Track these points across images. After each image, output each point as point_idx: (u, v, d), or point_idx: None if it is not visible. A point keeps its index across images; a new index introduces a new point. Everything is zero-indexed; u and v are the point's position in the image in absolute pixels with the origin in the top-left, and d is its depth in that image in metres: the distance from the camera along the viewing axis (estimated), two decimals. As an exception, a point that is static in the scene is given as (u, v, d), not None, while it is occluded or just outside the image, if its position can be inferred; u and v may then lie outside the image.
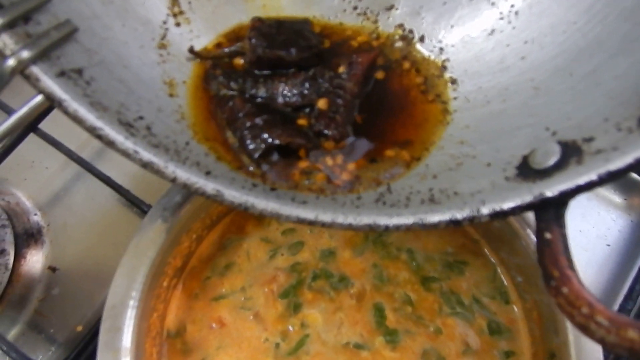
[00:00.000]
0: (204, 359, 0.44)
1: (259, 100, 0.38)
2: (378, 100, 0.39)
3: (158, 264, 0.42)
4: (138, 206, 0.54)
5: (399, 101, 0.39)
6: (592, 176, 0.28)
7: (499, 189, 0.32)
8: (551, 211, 0.30)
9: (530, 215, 0.40)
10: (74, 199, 0.60)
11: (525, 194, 0.30)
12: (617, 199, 0.59)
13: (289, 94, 0.37)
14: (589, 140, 0.30)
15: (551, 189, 0.29)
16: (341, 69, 0.38)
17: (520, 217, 0.44)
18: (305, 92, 0.37)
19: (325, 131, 0.36)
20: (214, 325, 0.46)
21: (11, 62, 0.30)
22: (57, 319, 0.53)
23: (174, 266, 0.45)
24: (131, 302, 0.41)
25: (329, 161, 0.36)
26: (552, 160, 0.31)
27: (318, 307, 0.46)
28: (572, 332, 0.39)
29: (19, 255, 0.57)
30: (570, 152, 0.31)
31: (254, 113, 0.36)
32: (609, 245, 0.57)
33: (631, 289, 0.52)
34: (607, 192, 0.59)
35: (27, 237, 0.59)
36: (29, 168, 0.63)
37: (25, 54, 0.31)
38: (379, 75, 0.40)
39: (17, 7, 0.31)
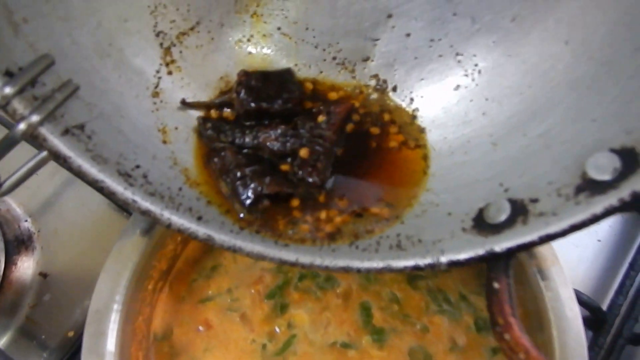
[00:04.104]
0: None
1: (246, 150, 0.41)
2: (362, 154, 0.43)
3: (142, 267, 0.43)
4: (128, 211, 0.56)
5: (383, 153, 0.43)
6: (534, 237, 0.33)
7: (456, 239, 0.36)
8: (501, 263, 0.35)
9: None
10: (65, 205, 0.61)
11: (478, 248, 0.35)
12: None
13: (273, 144, 0.41)
14: (535, 201, 0.35)
15: (500, 245, 0.34)
16: (320, 119, 0.42)
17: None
18: (288, 143, 0.41)
19: (308, 178, 0.40)
20: (200, 327, 0.47)
21: (22, 126, 0.33)
22: (49, 325, 0.54)
23: (159, 269, 0.46)
24: (115, 306, 0.41)
25: (319, 214, 0.39)
26: (502, 217, 0.36)
27: (305, 307, 0.47)
28: (556, 329, 0.40)
29: (9, 262, 0.58)
30: (518, 211, 0.35)
31: (244, 164, 0.40)
32: (599, 240, 0.57)
33: (622, 284, 0.52)
34: None
35: (17, 244, 0.60)
36: None
37: (35, 118, 0.34)
38: (374, 130, 0.44)
39: (26, 74, 0.34)
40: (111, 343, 0.40)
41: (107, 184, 0.36)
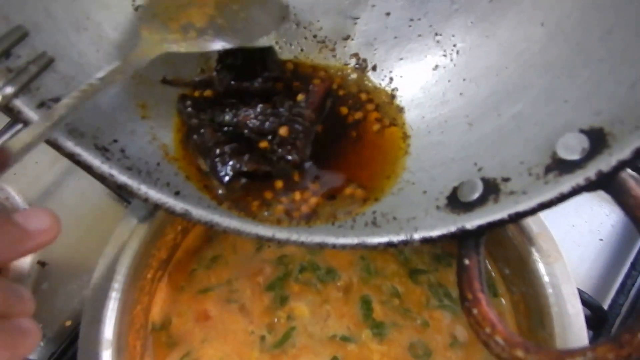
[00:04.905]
0: (189, 352, 0.45)
1: (226, 128, 0.41)
2: (339, 134, 0.43)
3: (141, 255, 0.43)
4: (127, 200, 0.56)
5: (362, 133, 0.43)
6: (504, 215, 0.34)
7: (430, 217, 0.37)
8: (471, 240, 0.36)
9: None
10: (64, 194, 0.60)
11: (450, 225, 0.36)
12: None
13: (253, 122, 0.41)
14: (506, 180, 0.35)
15: (471, 223, 0.35)
16: (299, 97, 0.42)
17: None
18: (267, 121, 0.41)
19: (287, 156, 0.40)
20: (199, 318, 0.46)
21: (-4, 98, 0.33)
22: (47, 313, 0.53)
23: (158, 258, 0.46)
24: (113, 295, 0.41)
25: (295, 195, 0.40)
26: (475, 195, 0.36)
27: (305, 300, 0.47)
28: (557, 325, 0.40)
29: None
30: (490, 190, 0.36)
31: (223, 141, 0.39)
32: (601, 239, 0.57)
33: (623, 284, 0.52)
34: None
35: (16, 232, 0.60)
36: (18, 163, 0.63)
37: (9, 90, 0.34)
38: (343, 110, 0.44)
39: (-1, 45, 0.34)
40: (109, 332, 0.40)
41: (84, 157, 0.36)
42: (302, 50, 0.47)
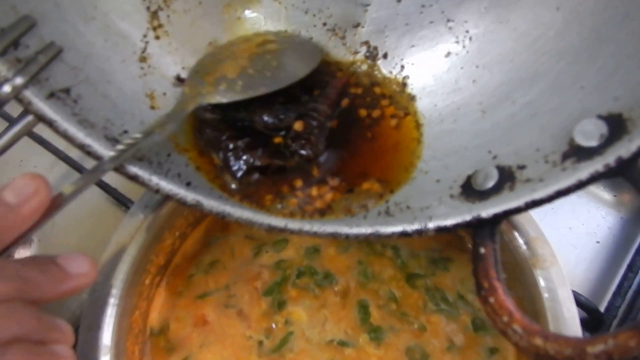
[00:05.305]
0: (188, 356, 0.45)
1: (239, 123, 0.41)
2: (354, 128, 0.43)
3: (139, 261, 0.43)
4: (125, 205, 0.56)
5: (376, 127, 0.43)
6: (520, 203, 0.33)
7: (444, 205, 0.37)
8: (486, 229, 0.35)
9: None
10: None
11: (465, 214, 0.35)
12: (607, 195, 0.59)
13: (267, 117, 0.41)
14: (522, 167, 0.35)
15: (486, 211, 0.35)
16: (315, 92, 0.42)
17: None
18: (282, 115, 0.41)
19: (301, 151, 0.40)
20: (197, 323, 0.46)
21: (6, 88, 0.33)
22: None
23: (156, 264, 0.46)
24: (112, 300, 0.41)
25: (310, 190, 0.39)
26: (490, 183, 0.36)
27: (302, 305, 0.46)
28: (553, 329, 0.40)
29: (7, 255, 0.58)
30: (506, 178, 0.35)
31: (237, 136, 0.39)
32: (598, 242, 0.57)
33: (620, 286, 0.52)
34: (597, 189, 0.59)
35: (15, 237, 0.60)
36: (17, 167, 0.63)
37: (19, 80, 0.33)
38: (344, 102, 0.44)
39: (7, 34, 0.33)
40: (107, 337, 0.40)
41: (94, 148, 0.36)
42: (311, 38, 0.46)
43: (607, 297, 0.52)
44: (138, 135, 0.36)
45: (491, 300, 0.32)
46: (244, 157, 0.39)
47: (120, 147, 0.35)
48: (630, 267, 0.53)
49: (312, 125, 0.40)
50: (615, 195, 0.59)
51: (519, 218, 0.42)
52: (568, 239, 0.56)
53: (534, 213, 0.41)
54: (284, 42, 0.44)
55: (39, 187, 0.31)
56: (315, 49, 0.44)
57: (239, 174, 0.38)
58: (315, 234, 0.38)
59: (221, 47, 0.45)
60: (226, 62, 0.41)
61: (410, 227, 0.36)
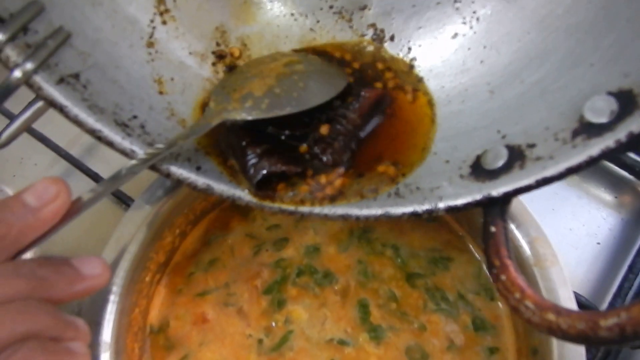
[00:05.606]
0: (187, 355, 0.45)
1: (260, 129, 0.41)
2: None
3: (139, 258, 0.43)
4: (126, 202, 0.56)
5: (389, 110, 0.43)
6: (531, 181, 0.34)
7: (454, 185, 0.37)
8: (497, 207, 0.35)
9: (514, 211, 0.42)
10: None
11: (475, 193, 0.35)
12: (607, 197, 0.59)
13: (294, 132, 0.41)
14: (532, 146, 0.35)
15: (497, 190, 0.35)
16: (349, 100, 0.42)
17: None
18: (307, 119, 0.41)
19: (322, 156, 0.40)
20: (197, 321, 0.46)
21: (17, 73, 0.33)
22: None
23: (156, 261, 0.46)
24: (111, 297, 0.41)
25: (319, 178, 0.39)
26: (500, 163, 0.36)
27: (302, 303, 0.47)
28: None
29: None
30: (516, 157, 0.35)
31: (255, 142, 0.39)
32: (599, 243, 0.57)
33: (620, 287, 0.52)
34: (598, 190, 0.59)
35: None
36: (17, 165, 0.63)
37: (29, 66, 0.33)
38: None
39: (16, 19, 0.34)
40: (107, 334, 0.40)
41: (105, 133, 0.36)
42: (318, 21, 0.46)
43: (608, 298, 0.52)
44: (161, 146, 0.36)
45: (503, 277, 0.33)
46: (262, 164, 0.38)
47: (141, 156, 0.35)
48: (630, 269, 0.53)
49: (338, 131, 0.40)
50: (616, 197, 0.59)
51: (520, 218, 0.42)
52: (569, 240, 0.57)
53: (535, 213, 0.43)
54: (310, 64, 0.44)
55: (59, 191, 0.31)
56: (340, 74, 0.44)
57: (255, 180, 0.38)
58: (325, 217, 0.38)
59: (248, 65, 0.45)
60: (253, 80, 0.41)
61: (421, 208, 0.37)
